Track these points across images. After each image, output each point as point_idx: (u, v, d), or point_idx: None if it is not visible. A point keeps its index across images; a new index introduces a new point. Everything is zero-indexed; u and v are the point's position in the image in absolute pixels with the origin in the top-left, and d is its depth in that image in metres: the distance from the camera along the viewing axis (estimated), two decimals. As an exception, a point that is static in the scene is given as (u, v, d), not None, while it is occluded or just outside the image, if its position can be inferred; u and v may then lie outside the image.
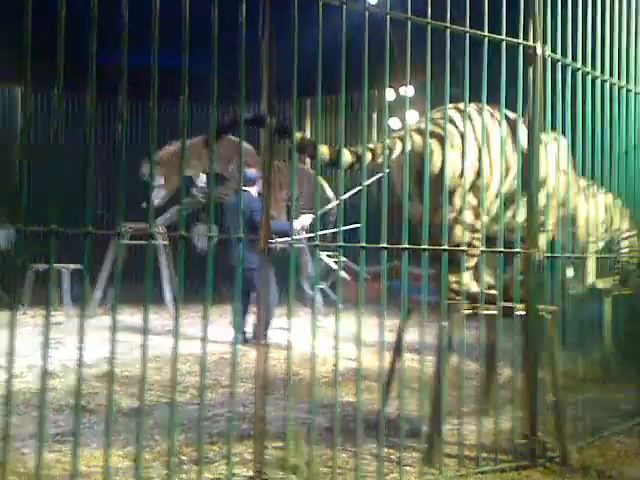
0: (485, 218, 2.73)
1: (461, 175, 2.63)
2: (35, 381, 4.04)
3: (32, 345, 5.22)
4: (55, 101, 1.83)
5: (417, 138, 2.75)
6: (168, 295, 8.06)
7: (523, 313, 2.68)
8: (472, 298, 2.74)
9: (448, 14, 2.45)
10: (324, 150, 2.57)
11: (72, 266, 8.30)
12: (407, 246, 2.41)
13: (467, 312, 2.66)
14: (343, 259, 2.90)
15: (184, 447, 2.75)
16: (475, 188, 2.74)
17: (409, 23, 2.39)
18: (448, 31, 2.46)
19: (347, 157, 2.58)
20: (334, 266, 8.92)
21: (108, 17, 2.07)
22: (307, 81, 2.39)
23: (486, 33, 2.54)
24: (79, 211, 1.96)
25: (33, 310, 8.01)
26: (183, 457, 2.67)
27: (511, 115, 2.89)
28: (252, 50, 2.13)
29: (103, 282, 8.11)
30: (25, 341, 5.33)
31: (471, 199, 2.75)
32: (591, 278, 3.22)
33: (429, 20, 2.43)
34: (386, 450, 2.59)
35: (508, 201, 2.85)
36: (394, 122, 8.75)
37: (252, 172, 6.31)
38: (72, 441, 1.77)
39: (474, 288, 2.90)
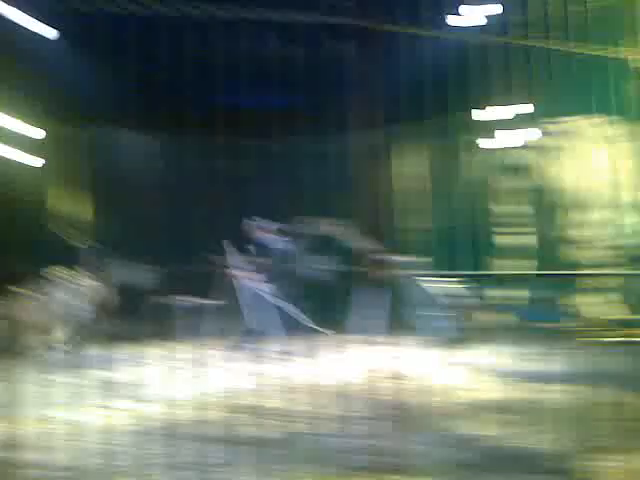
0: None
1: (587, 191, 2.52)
2: (188, 412, 4.12)
3: (174, 377, 5.55)
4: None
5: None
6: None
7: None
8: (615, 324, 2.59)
9: (549, 34, 2.39)
10: None
11: (206, 301, 8.78)
12: (535, 272, 2.34)
13: (610, 340, 2.51)
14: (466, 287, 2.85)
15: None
16: (595, 205, 2.61)
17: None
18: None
19: None
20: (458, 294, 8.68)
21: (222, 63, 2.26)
22: (404, 106, 2.43)
23: (590, 51, 2.45)
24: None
25: (174, 343, 8.52)
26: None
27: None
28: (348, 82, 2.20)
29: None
30: (168, 374, 5.68)
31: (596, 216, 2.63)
32: None
33: (528, 42, 2.39)
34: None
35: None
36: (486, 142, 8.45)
37: None
38: (222, 472, 1.86)
39: (615, 314, 2.75)
